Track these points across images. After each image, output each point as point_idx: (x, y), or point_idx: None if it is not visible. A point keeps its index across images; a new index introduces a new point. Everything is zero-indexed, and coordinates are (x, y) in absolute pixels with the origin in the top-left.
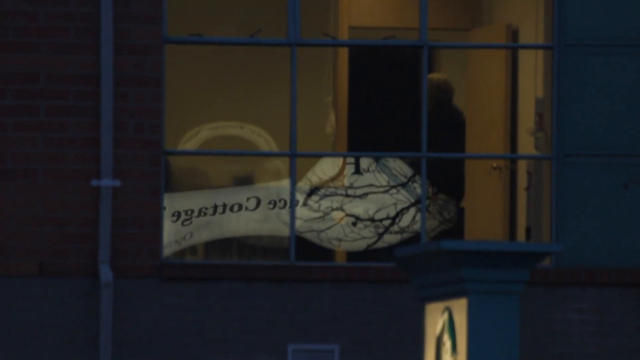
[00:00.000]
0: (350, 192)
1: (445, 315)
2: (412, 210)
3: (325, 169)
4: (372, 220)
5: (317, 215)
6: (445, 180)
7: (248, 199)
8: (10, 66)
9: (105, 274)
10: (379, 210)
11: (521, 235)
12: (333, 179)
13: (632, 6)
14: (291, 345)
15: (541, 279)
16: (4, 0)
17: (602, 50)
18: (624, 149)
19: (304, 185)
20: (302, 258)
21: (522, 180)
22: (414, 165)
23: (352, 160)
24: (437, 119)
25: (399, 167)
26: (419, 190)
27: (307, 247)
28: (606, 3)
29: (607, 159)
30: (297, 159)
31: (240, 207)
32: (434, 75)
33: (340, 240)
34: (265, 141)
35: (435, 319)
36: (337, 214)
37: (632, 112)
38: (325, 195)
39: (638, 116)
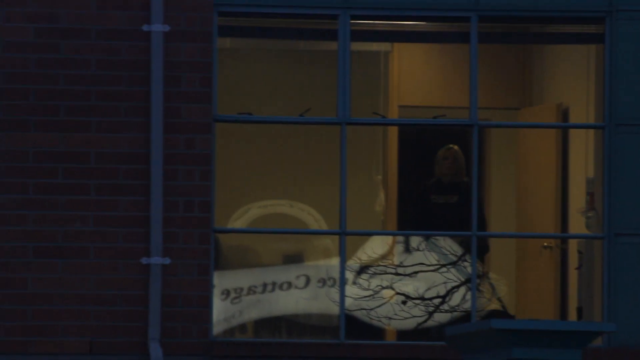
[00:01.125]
0: (400, 270)
1: None
2: (463, 289)
3: (375, 247)
4: (422, 298)
5: (366, 293)
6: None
7: (297, 277)
8: (61, 145)
9: (155, 351)
10: (429, 288)
11: (572, 314)
12: (383, 257)
13: None
14: None
15: (593, 359)
16: (56, 79)
17: None
18: None
19: (353, 263)
20: (351, 336)
21: (573, 260)
22: (464, 243)
23: (401, 238)
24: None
25: (449, 245)
26: (469, 269)
27: (356, 326)
28: None
29: None
30: (346, 237)
31: (289, 285)
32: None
33: (390, 318)
34: (314, 219)
35: None
36: (387, 293)
37: None
38: (375, 274)
39: None
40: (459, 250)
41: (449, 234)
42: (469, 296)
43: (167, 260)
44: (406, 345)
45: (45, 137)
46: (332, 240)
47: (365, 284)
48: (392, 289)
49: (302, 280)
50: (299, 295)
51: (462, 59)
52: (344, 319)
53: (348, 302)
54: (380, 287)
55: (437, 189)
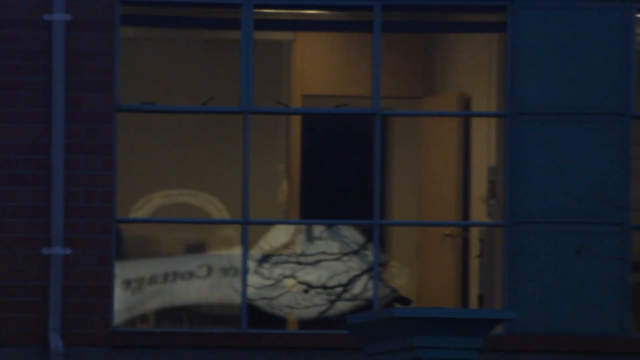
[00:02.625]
0: (302, 259)
1: None
2: (364, 278)
3: (278, 236)
4: (324, 287)
5: (268, 282)
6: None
7: (199, 266)
8: None
9: (56, 342)
10: (331, 277)
11: (473, 302)
12: (285, 246)
13: (583, 76)
14: None
15: (494, 346)
16: None
17: (554, 119)
18: (576, 216)
19: (256, 252)
20: (253, 326)
21: (474, 248)
22: (366, 232)
23: (304, 227)
24: None
25: (351, 234)
26: (371, 258)
27: (258, 315)
28: (558, 72)
29: (559, 226)
30: (249, 226)
31: (191, 275)
32: None
33: (292, 307)
34: (217, 209)
35: None
36: (289, 282)
37: (583, 179)
38: (277, 263)
39: (590, 184)
40: (360, 239)
41: (351, 222)
42: (370, 285)
43: (68, 251)
44: (308, 334)
45: None
46: (234, 230)
47: (267, 273)
48: (294, 278)
49: (204, 270)
50: (201, 284)
51: (366, 48)
52: (246, 309)
53: (250, 291)
54: (282, 276)
55: None
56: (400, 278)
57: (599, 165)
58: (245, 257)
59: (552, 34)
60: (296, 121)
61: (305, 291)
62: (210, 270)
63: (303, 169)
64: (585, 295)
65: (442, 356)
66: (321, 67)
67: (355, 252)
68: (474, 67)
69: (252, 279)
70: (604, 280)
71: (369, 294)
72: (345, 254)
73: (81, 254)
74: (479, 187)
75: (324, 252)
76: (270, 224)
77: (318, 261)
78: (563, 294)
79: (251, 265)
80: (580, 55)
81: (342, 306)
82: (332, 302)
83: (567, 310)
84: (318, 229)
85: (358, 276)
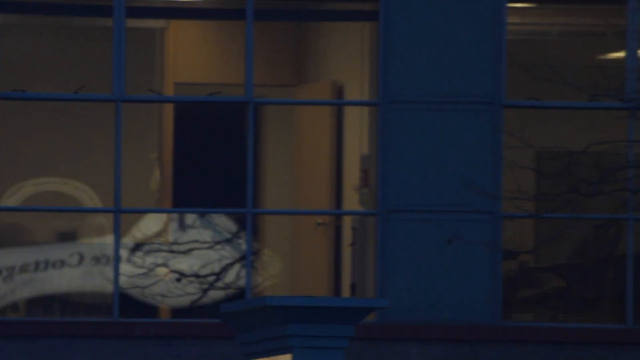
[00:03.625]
0: (174, 248)
1: None
2: (237, 266)
3: (150, 224)
4: (196, 276)
5: (141, 271)
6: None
7: (71, 255)
8: None
9: None
10: (203, 266)
11: (346, 291)
12: (157, 235)
13: (454, 65)
14: None
15: (366, 334)
16: None
17: (426, 107)
18: (448, 205)
19: (128, 241)
20: (125, 314)
21: (347, 236)
22: (239, 221)
23: (176, 216)
24: None
25: (224, 223)
26: (244, 246)
27: (131, 304)
28: (430, 61)
29: (431, 215)
30: (121, 215)
31: (62, 263)
32: None
33: (164, 296)
34: (89, 197)
35: None
36: (161, 270)
37: (455, 168)
38: (150, 251)
39: (461, 173)
40: (233, 228)
41: (224, 211)
42: (243, 273)
43: None
44: (180, 322)
45: None
46: (106, 218)
47: (139, 261)
48: (167, 266)
49: (76, 259)
50: (73, 273)
51: (239, 36)
52: (118, 297)
53: (122, 280)
54: (154, 264)
55: None
56: (272, 267)
57: (470, 154)
58: (117, 245)
59: (423, 23)
60: (169, 109)
61: (178, 280)
62: (82, 258)
63: (176, 157)
64: (457, 284)
65: (315, 345)
66: (194, 55)
67: (228, 241)
68: (347, 56)
69: (125, 268)
70: (475, 269)
71: (242, 282)
72: (218, 243)
73: None
74: (352, 175)
75: (196, 241)
76: (143, 212)
77: (191, 250)
78: (435, 283)
79: (123, 253)
80: (452, 44)
81: (215, 295)
82: (205, 291)
83: (438, 299)
84: (191, 218)
85: (231, 265)
